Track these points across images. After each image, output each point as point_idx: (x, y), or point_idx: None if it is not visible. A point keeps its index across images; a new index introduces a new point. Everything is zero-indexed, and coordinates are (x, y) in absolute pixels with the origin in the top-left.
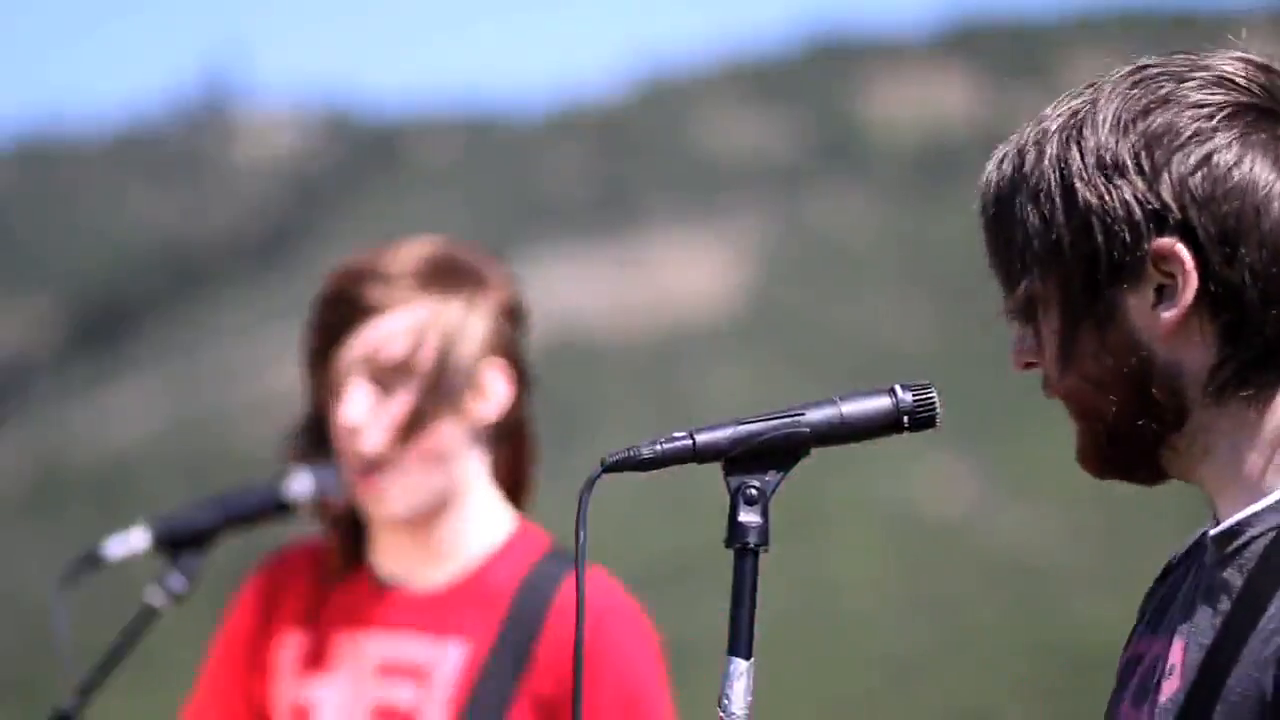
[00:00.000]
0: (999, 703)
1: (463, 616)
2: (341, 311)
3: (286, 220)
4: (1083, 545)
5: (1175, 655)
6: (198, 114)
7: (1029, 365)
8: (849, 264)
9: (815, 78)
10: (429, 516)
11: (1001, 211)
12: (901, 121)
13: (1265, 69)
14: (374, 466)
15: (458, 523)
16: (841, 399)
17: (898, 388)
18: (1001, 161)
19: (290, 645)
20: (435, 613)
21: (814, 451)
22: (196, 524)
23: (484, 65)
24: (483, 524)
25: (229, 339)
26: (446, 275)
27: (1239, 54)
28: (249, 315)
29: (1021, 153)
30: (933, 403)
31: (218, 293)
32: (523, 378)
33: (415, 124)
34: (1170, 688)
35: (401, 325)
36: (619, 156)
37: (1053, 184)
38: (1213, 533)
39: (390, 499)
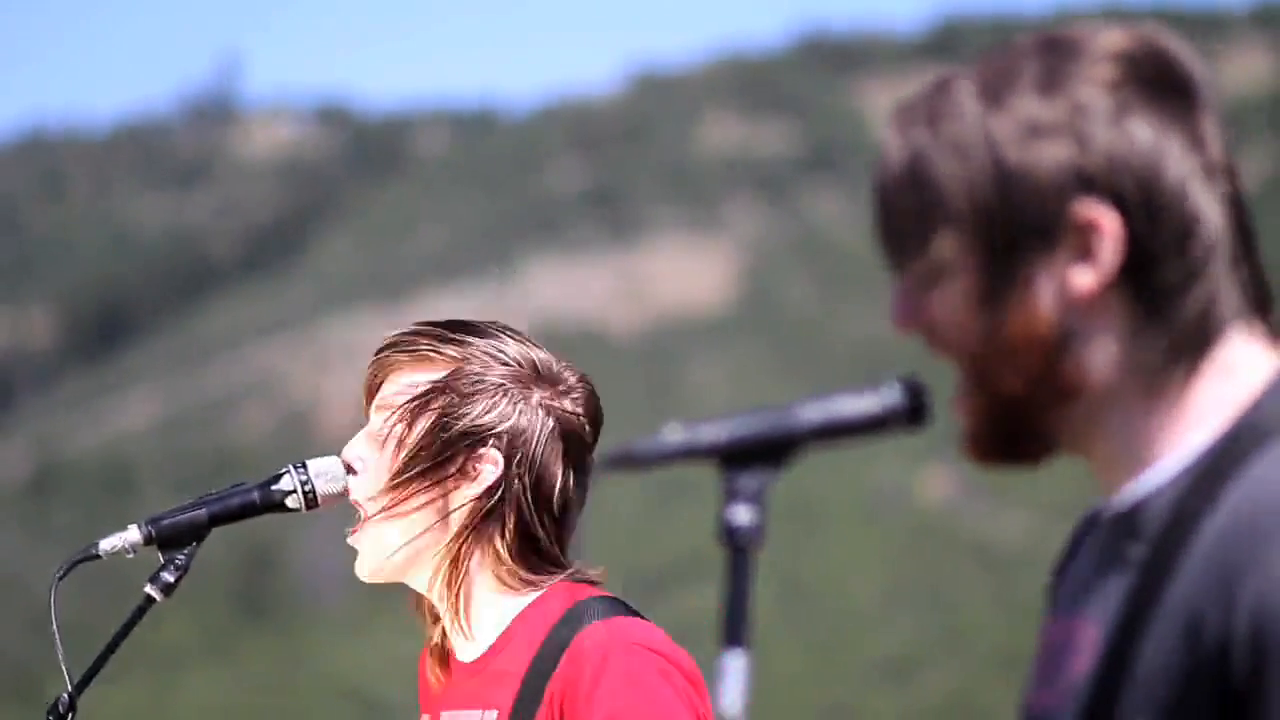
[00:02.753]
0: (986, 690)
1: (495, 683)
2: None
3: (286, 218)
4: (1060, 532)
5: (1082, 634)
6: (198, 114)
7: (912, 329)
8: (839, 261)
9: (806, 78)
10: (439, 593)
11: (915, 171)
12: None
13: (1162, 45)
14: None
15: (475, 599)
16: (835, 396)
17: (890, 385)
18: (909, 126)
19: None
20: (476, 684)
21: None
22: (187, 521)
23: (483, 66)
24: (501, 596)
25: (225, 334)
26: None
27: (1139, 28)
28: (246, 310)
29: (934, 117)
30: (926, 400)
31: (216, 288)
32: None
33: (414, 123)
34: (1078, 666)
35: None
36: (613, 155)
37: (976, 144)
38: (1112, 510)
39: (358, 559)
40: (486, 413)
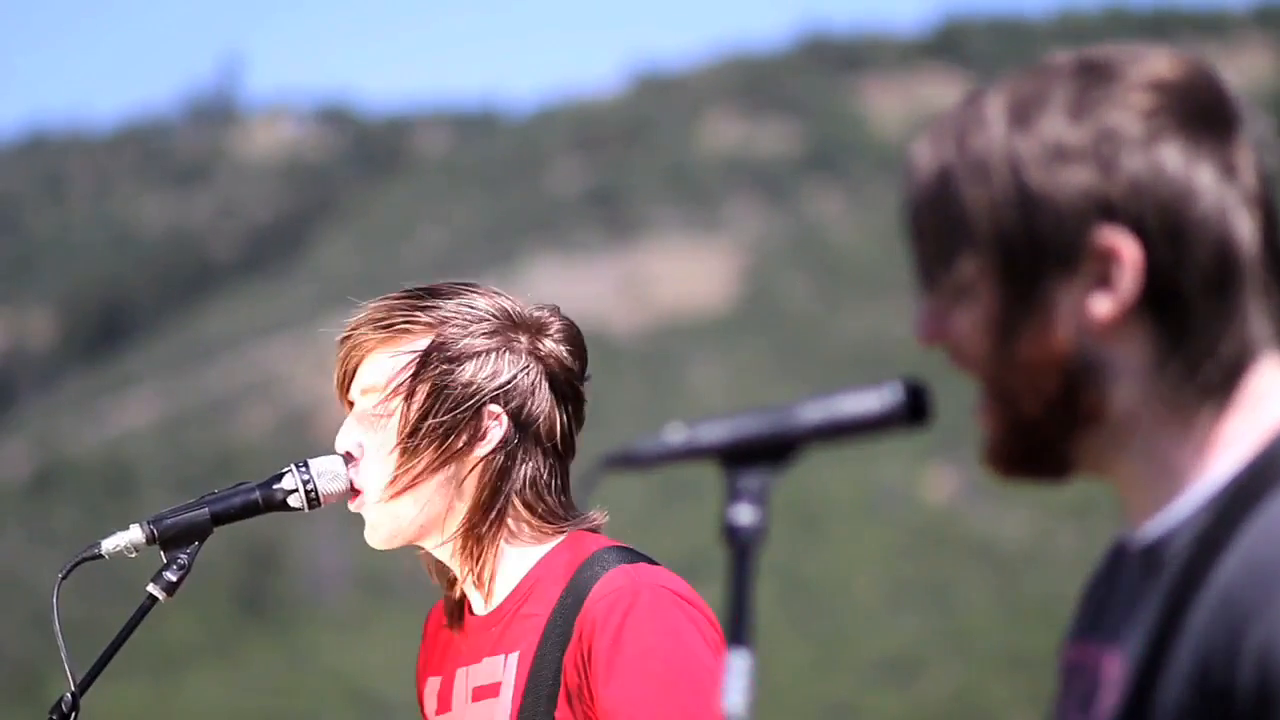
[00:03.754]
0: (988, 689)
1: (518, 628)
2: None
3: (287, 218)
4: (1064, 532)
5: (1111, 668)
6: (199, 114)
7: (934, 343)
8: (840, 261)
9: (807, 79)
10: (446, 545)
11: (940, 189)
12: (892, 121)
13: (1205, 74)
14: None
15: (493, 554)
16: (837, 396)
17: (893, 384)
18: (938, 142)
19: (429, 691)
20: (497, 630)
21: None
22: (189, 520)
23: (484, 67)
24: (520, 547)
25: (225, 335)
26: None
27: (1184, 55)
28: (246, 311)
29: (962, 134)
30: (928, 400)
31: (216, 288)
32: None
33: (415, 124)
34: (1107, 702)
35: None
36: (614, 155)
37: (1000, 165)
38: (1138, 543)
39: (369, 531)
40: (479, 371)
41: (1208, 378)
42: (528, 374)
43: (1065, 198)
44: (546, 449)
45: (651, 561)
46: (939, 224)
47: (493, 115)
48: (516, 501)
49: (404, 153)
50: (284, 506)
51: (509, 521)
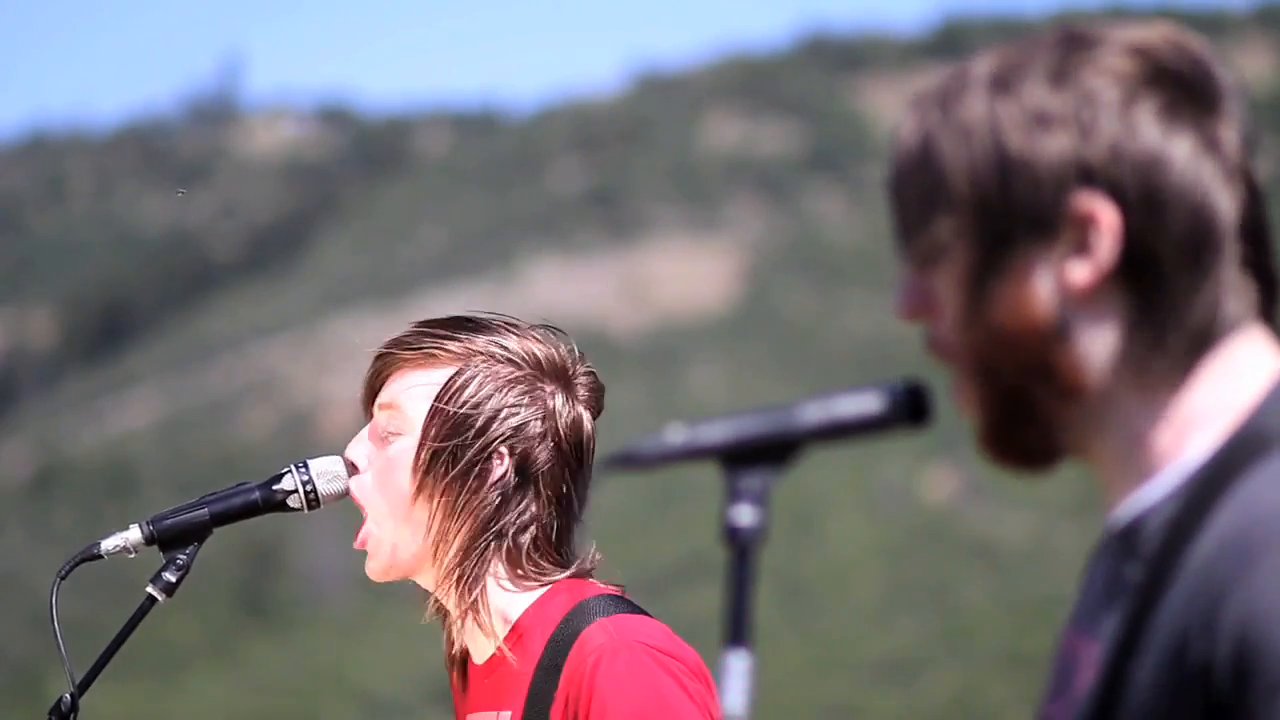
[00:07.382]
0: (988, 690)
1: (506, 684)
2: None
3: (288, 218)
4: (1063, 532)
5: (1089, 651)
6: (200, 114)
7: (915, 317)
8: (840, 261)
9: (807, 78)
10: (452, 589)
11: (923, 152)
12: (892, 121)
13: (1188, 47)
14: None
15: (485, 596)
16: (837, 396)
17: (893, 384)
18: (922, 110)
19: None
20: (490, 685)
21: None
22: (188, 521)
23: (484, 67)
24: (507, 595)
25: (226, 335)
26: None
27: (1169, 29)
28: (247, 311)
29: (945, 101)
30: (928, 400)
31: (217, 288)
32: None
33: (416, 124)
34: (1082, 685)
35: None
36: (614, 155)
37: (980, 128)
38: (1114, 525)
39: (369, 559)
40: (495, 412)
41: (1179, 349)
42: (542, 422)
43: (1045, 163)
44: (545, 499)
45: (638, 609)
46: (919, 188)
47: (493, 115)
48: (509, 545)
49: (404, 153)
50: (283, 507)
51: (501, 565)
